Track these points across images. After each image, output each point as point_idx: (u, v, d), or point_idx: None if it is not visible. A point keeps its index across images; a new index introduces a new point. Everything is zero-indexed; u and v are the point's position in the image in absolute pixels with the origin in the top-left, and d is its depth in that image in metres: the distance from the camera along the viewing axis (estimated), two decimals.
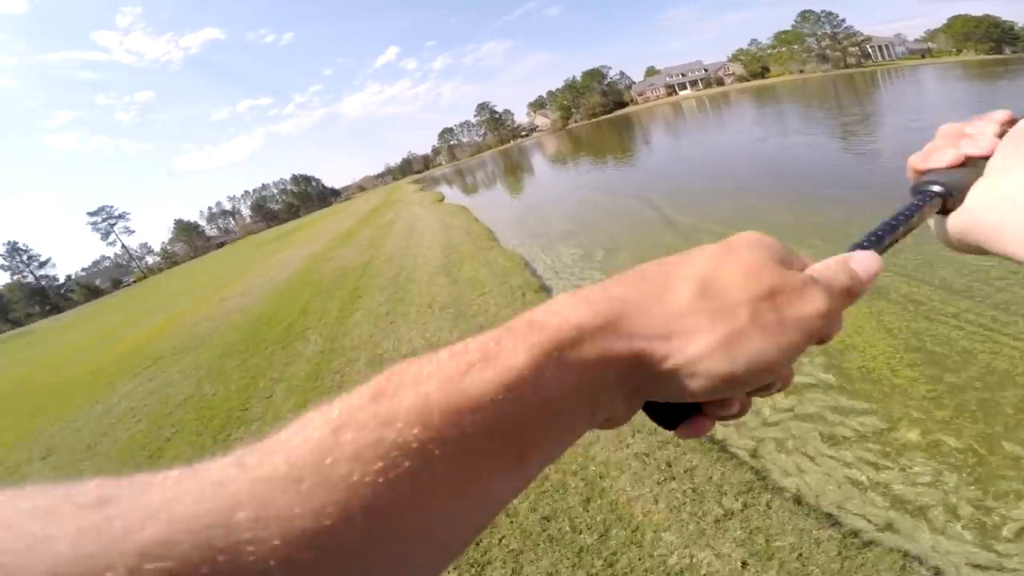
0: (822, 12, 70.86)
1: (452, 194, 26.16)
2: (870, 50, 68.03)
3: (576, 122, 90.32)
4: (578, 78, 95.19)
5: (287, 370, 5.31)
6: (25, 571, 0.13)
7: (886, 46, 68.52)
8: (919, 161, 0.36)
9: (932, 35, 66.97)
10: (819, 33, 68.90)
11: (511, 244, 8.83)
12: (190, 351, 7.88)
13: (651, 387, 0.24)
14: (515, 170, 32.04)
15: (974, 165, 0.34)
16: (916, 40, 70.76)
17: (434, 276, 7.36)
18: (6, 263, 76.16)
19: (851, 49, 66.72)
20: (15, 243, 76.82)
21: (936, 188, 0.34)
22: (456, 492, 0.19)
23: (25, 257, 76.84)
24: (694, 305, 0.23)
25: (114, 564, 0.14)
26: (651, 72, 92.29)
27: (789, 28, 72.33)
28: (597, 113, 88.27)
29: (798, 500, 2.18)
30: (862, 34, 68.48)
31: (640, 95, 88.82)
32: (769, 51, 74.86)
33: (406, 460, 0.18)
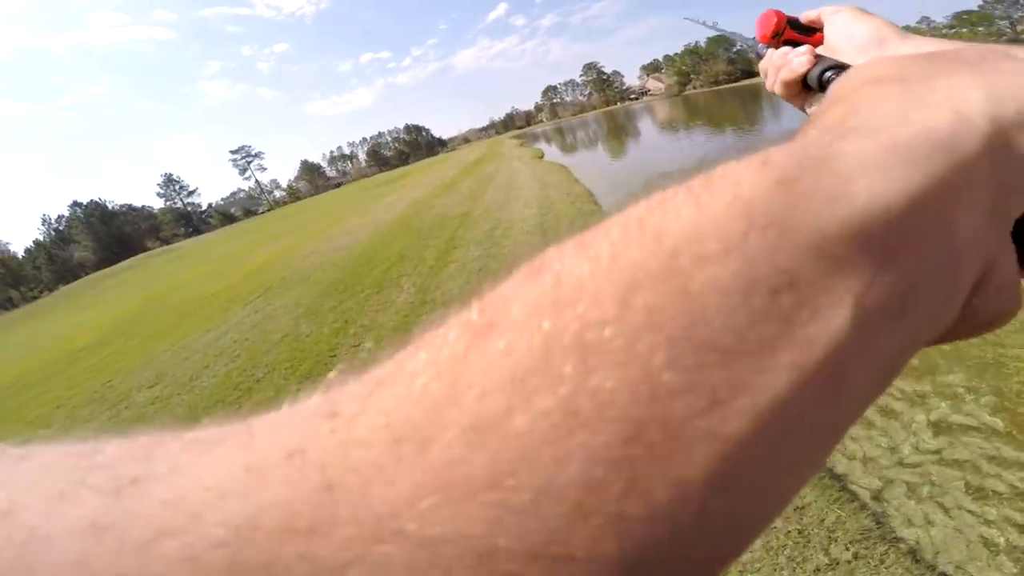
0: None
1: (551, 152, 25.39)
2: None
3: (695, 88, 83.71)
4: (702, 44, 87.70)
5: (377, 318, 5.32)
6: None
7: None
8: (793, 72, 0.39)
9: None
10: (1016, 16, 56.79)
11: (615, 208, 8.21)
12: (295, 285, 8.30)
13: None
14: (619, 132, 30.28)
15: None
16: None
17: (529, 235, 7.03)
18: (162, 191, 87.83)
19: None
20: (170, 175, 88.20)
21: None
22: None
23: (177, 187, 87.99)
24: None
25: None
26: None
27: (975, 8, 60.59)
28: (720, 81, 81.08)
29: (915, 555, 1.85)
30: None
31: None
32: (945, 31, 62.75)
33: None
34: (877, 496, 2.11)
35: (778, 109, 24.60)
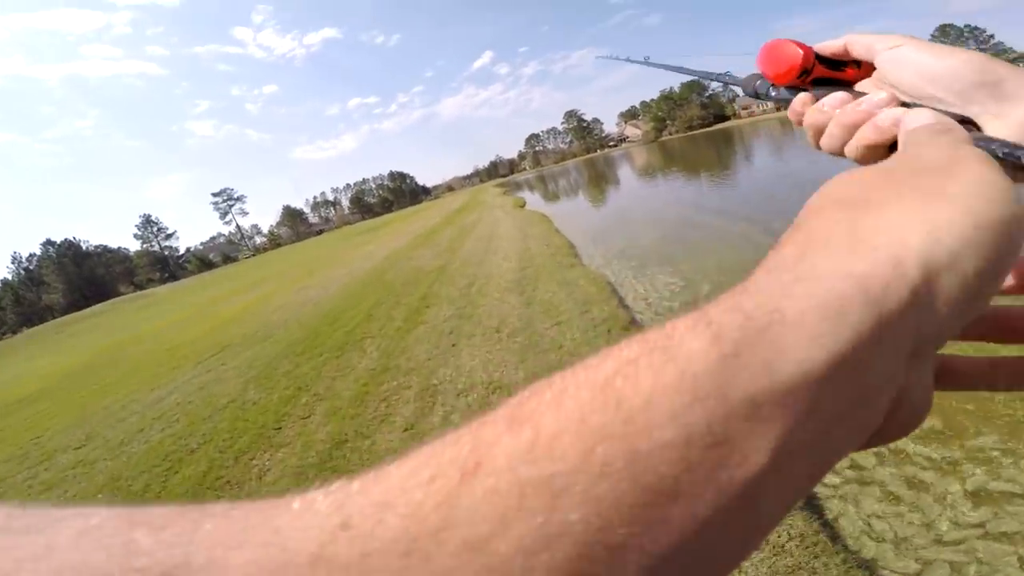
0: (965, 27, 63.19)
1: (533, 200, 25.62)
2: None
3: (671, 134, 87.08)
4: (676, 89, 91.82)
5: (334, 386, 4.78)
6: None
7: None
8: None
9: None
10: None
11: (595, 263, 7.91)
12: (255, 343, 7.75)
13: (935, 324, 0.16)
14: (600, 180, 30.89)
15: None
16: None
17: (506, 293, 6.63)
18: (139, 233, 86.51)
19: None
20: (149, 216, 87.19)
21: None
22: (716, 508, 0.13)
23: (155, 229, 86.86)
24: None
25: None
26: (726, 75, 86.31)
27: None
28: (694, 126, 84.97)
29: None
30: (1015, 51, 60.01)
31: (744, 108, 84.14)
32: None
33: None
34: None
35: (749, 152, 25.44)
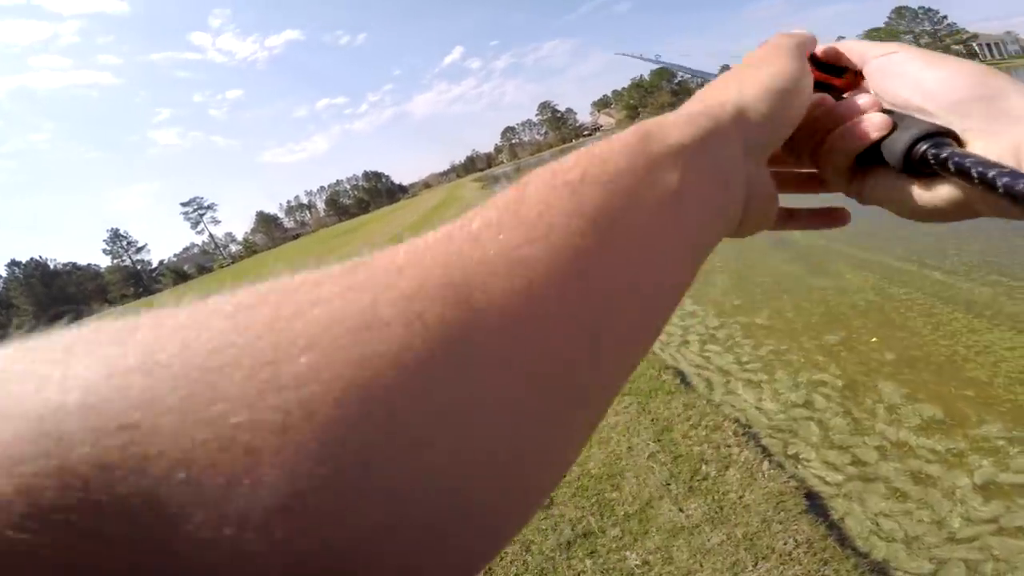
0: (920, 8, 64.57)
1: None
2: (977, 48, 60.80)
3: None
4: (646, 77, 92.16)
5: None
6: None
7: (996, 44, 61.08)
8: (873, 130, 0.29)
9: None
10: (917, 31, 62.63)
11: None
12: None
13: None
14: None
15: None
16: None
17: None
18: (108, 248, 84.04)
19: (955, 48, 59.86)
20: (117, 230, 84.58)
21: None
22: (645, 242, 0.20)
23: (124, 243, 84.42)
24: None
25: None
26: (726, 70, 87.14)
27: (882, 25, 66.38)
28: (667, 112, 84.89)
29: None
30: (967, 31, 61.31)
31: None
32: None
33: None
34: None
35: None
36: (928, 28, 62.24)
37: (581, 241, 0.17)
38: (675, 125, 0.23)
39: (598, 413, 0.18)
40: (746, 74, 0.28)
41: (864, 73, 0.32)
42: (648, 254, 0.19)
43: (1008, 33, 63.57)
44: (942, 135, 0.26)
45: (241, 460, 0.11)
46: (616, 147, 0.21)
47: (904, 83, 0.29)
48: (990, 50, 60.63)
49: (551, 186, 0.18)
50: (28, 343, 0.13)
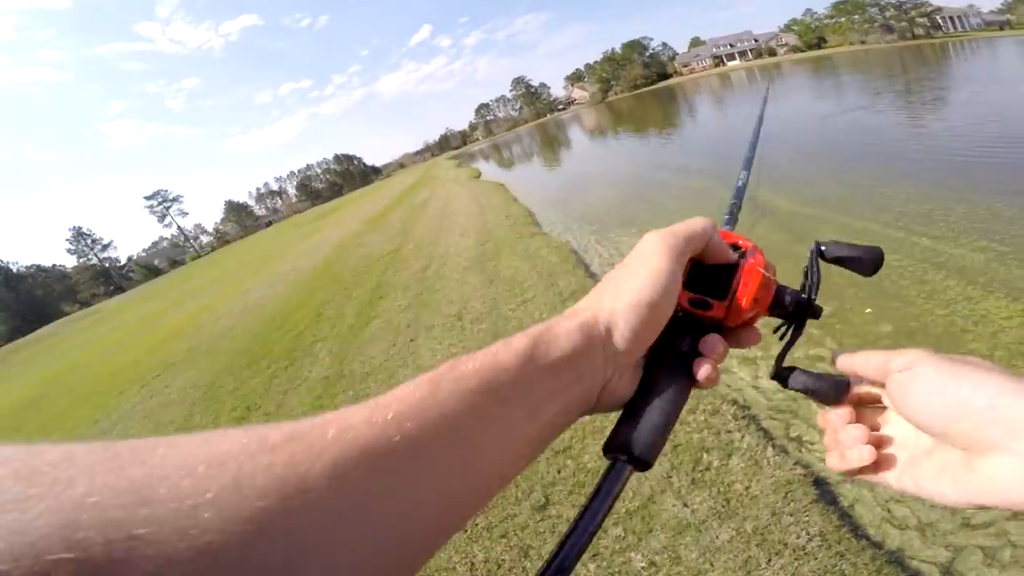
0: None
1: (489, 169, 24.93)
2: (940, 21, 60.71)
3: (616, 94, 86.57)
4: (618, 50, 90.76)
5: (285, 401, 4.32)
6: None
7: (958, 17, 61.16)
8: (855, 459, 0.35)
9: (1012, 6, 58.12)
10: (883, 3, 62.24)
11: (556, 230, 7.54)
12: (200, 358, 7.13)
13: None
14: (553, 144, 30.37)
15: None
16: (992, 11, 62.30)
17: (466, 272, 6.21)
18: (72, 247, 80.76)
19: (919, 20, 59.76)
20: (79, 228, 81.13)
21: None
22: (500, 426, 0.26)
23: (89, 241, 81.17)
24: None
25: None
26: (696, 43, 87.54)
27: None
28: (639, 85, 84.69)
29: None
30: (931, 4, 61.26)
31: (685, 66, 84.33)
32: (826, 21, 68.87)
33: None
34: (948, 570, 1.72)
35: (693, 109, 25.39)
36: (894, 1, 62.07)
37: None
38: (556, 340, 0.29)
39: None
40: (620, 285, 0.33)
41: (886, 386, 0.33)
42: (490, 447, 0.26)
43: (970, 6, 63.67)
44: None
45: None
46: (511, 357, 0.28)
47: (927, 409, 0.30)
48: (952, 23, 60.60)
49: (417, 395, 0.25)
50: None
